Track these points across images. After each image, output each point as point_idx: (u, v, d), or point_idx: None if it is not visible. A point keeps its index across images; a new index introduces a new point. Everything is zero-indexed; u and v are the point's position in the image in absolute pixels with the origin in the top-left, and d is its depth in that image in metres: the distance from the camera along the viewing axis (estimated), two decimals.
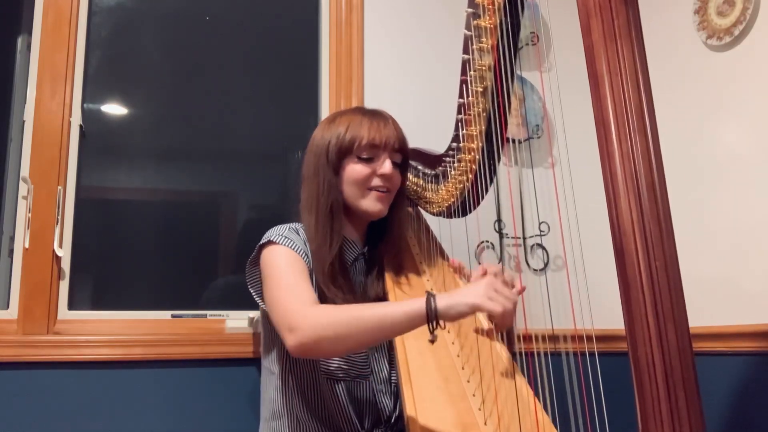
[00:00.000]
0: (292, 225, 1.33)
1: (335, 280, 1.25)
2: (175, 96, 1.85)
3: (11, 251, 1.61)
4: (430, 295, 1.03)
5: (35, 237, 1.56)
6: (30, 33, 1.68)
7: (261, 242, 1.28)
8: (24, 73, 1.67)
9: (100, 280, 1.69)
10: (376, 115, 1.33)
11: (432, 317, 1.01)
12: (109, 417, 1.51)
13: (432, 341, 1.03)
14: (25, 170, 1.60)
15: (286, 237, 1.26)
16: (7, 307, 1.56)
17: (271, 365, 1.34)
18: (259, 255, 1.29)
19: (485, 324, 1.23)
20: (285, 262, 1.22)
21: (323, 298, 1.24)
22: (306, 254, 1.26)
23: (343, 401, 1.26)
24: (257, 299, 1.30)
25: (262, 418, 1.36)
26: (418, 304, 1.02)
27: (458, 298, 1.02)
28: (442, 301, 1.02)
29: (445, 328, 1.02)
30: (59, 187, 1.61)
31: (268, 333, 1.35)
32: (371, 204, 1.31)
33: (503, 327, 1.16)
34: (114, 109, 1.79)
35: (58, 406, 1.48)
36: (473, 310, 1.02)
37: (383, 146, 1.30)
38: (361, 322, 1.04)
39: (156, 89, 1.84)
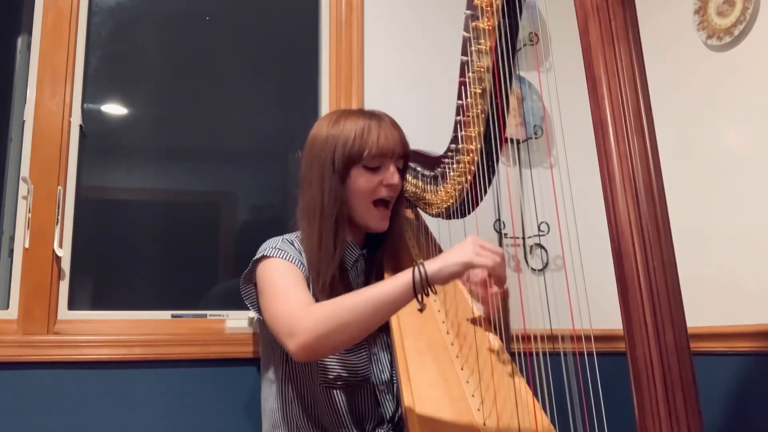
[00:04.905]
0: (286, 236, 1.32)
1: (334, 291, 1.23)
2: (175, 96, 1.86)
3: (11, 251, 1.61)
4: (417, 263, 1.04)
5: (35, 237, 1.56)
6: (30, 33, 1.68)
7: (255, 258, 1.27)
8: (24, 73, 1.68)
9: (100, 280, 1.70)
10: (382, 121, 1.31)
11: (423, 283, 1.02)
12: (109, 417, 1.51)
13: (421, 310, 1.04)
14: (25, 170, 1.60)
15: (279, 249, 1.24)
16: (7, 307, 1.56)
17: (270, 375, 1.34)
18: (253, 271, 1.28)
19: (476, 311, 1.23)
20: (280, 272, 1.21)
21: None
22: (302, 263, 1.25)
23: (341, 409, 1.25)
24: (255, 312, 1.30)
25: (263, 429, 1.35)
26: (407, 275, 1.04)
27: (448, 260, 1.04)
28: (432, 266, 1.04)
29: (437, 293, 1.03)
30: (59, 187, 1.61)
31: (267, 344, 1.35)
32: (376, 223, 1.32)
33: (500, 285, 1.15)
34: (114, 109, 1.79)
35: (58, 406, 1.48)
36: (465, 267, 1.05)
37: (390, 154, 1.29)
38: (358, 309, 1.04)
39: (156, 89, 1.84)
